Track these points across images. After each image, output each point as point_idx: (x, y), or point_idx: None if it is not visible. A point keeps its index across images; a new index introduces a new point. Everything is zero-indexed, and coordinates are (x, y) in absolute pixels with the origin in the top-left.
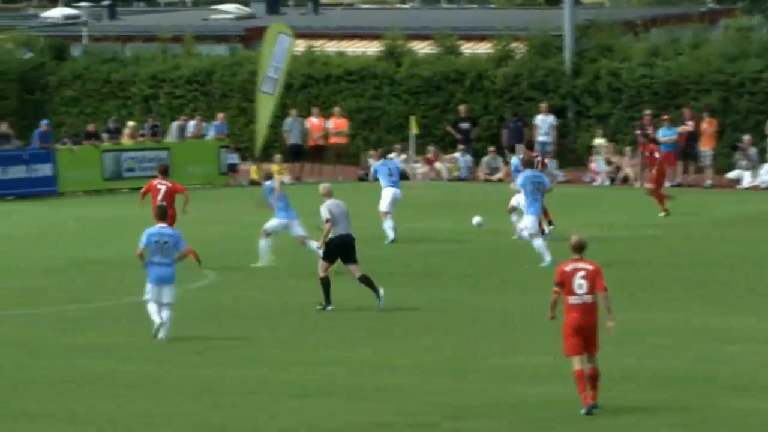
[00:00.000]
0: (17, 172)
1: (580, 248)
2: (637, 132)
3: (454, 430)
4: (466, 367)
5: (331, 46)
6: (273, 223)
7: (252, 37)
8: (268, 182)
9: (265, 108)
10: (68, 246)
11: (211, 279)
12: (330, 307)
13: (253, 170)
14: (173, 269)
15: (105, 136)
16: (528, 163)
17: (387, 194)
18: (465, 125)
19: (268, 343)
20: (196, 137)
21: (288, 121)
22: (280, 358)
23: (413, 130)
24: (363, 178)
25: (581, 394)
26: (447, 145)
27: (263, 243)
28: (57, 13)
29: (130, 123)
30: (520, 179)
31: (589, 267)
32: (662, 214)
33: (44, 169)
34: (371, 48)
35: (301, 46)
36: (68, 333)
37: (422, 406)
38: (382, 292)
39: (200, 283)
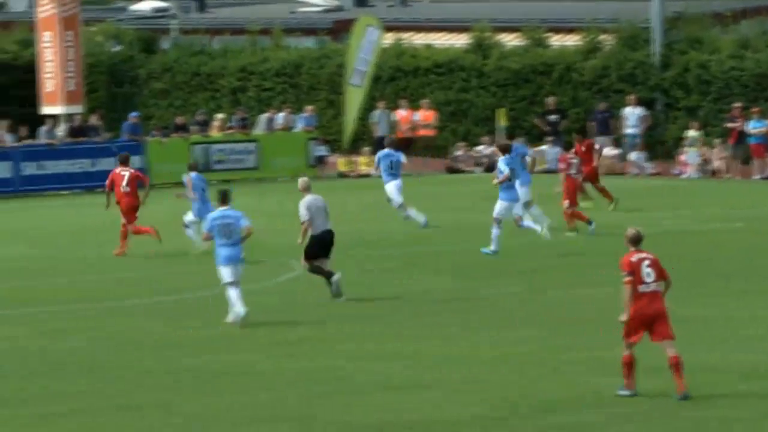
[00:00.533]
0: (107, 164)
1: (637, 240)
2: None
3: (547, 423)
4: (553, 359)
5: (419, 39)
6: (190, 216)
7: (340, 29)
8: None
9: (353, 100)
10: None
11: (298, 271)
12: (336, 276)
13: (340, 162)
14: (240, 248)
15: (194, 128)
16: (504, 150)
17: (391, 188)
18: (553, 117)
19: (352, 334)
20: (285, 129)
21: (376, 113)
22: (365, 351)
23: (501, 122)
24: (451, 170)
25: (626, 380)
26: (535, 138)
27: (190, 232)
28: (146, 5)
29: (219, 115)
30: (503, 165)
31: (651, 256)
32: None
33: (133, 162)
34: (459, 40)
35: (389, 38)
36: (160, 324)
37: (512, 400)
38: (336, 277)
39: (288, 276)
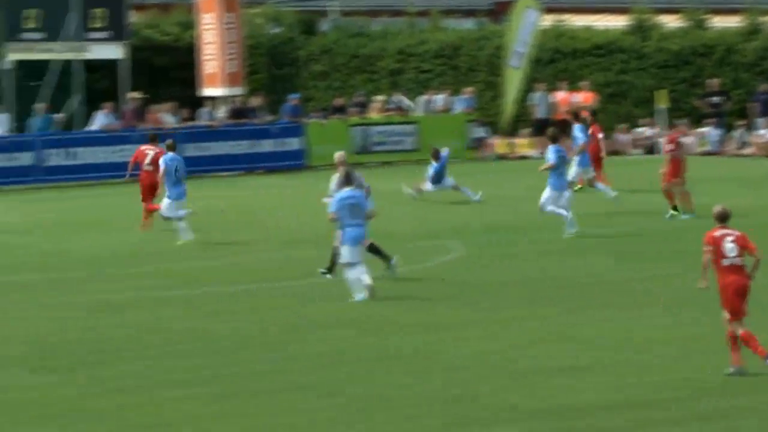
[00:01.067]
0: (266, 146)
1: (724, 218)
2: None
3: (704, 407)
4: (715, 342)
5: (579, 20)
6: (166, 203)
7: (499, 11)
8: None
9: (512, 82)
10: (315, 218)
11: (460, 253)
12: (394, 260)
13: (499, 144)
14: (364, 228)
15: (352, 110)
16: (553, 139)
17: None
18: (716, 99)
19: (516, 317)
20: (444, 111)
21: (535, 95)
22: (528, 333)
23: (661, 104)
24: (611, 152)
25: (733, 354)
26: (697, 119)
27: (182, 224)
28: None
29: (379, 97)
30: (551, 154)
31: (737, 233)
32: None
33: (293, 143)
34: (619, 22)
35: (548, 20)
36: (316, 305)
37: (672, 383)
38: (394, 260)
39: (446, 258)
